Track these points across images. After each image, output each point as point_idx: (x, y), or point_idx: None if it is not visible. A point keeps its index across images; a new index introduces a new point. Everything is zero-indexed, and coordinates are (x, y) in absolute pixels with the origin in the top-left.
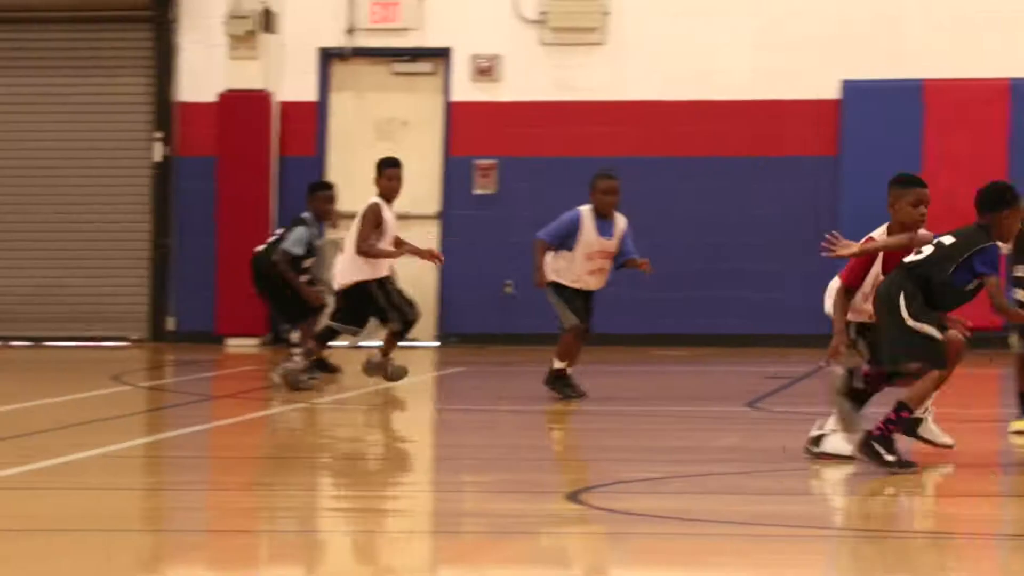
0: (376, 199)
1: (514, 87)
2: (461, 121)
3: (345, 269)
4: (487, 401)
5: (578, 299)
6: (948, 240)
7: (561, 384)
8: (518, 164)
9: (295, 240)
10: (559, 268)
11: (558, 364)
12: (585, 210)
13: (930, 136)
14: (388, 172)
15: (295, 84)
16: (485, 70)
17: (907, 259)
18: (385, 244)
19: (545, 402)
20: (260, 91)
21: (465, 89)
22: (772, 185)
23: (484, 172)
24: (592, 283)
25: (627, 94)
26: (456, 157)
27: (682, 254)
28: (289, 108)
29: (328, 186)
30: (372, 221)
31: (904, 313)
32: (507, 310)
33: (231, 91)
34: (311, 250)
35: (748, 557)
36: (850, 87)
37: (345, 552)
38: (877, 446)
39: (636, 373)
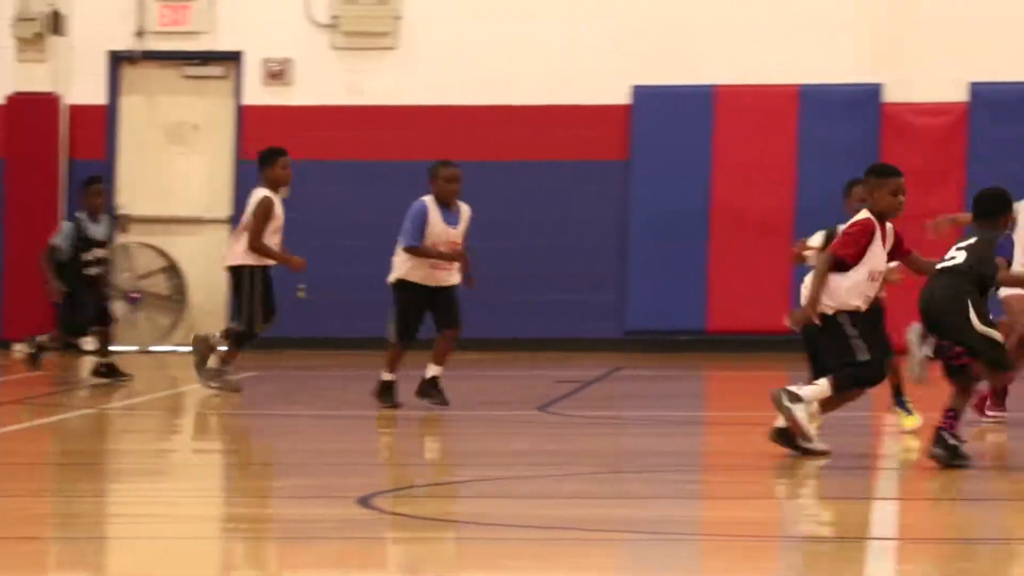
0: (267, 192)
1: (306, 91)
2: (253, 125)
3: (234, 252)
4: (281, 406)
5: (422, 302)
6: (971, 242)
7: (386, 394)
8: (311, 168)
9: (59, 234)
10: (411, 266)
11: (386, 376)
12: (428, 200)
13: (720, 142)
14: (281, 161)
15: (84, 87)
16: (276, 74)
17: (953, 263)
18: (274, 236)
19: (342, 406)
20: (48, 94)
21: (256, 93)
22: (565, 189)
23: None
24: (442, 278)
25: (419, 98)
26: (248, 161)
27: (473, 259)
28: (78, 111)
29: (97, 180)
30: (263, 215)
31: (973, 318)
32: (300, 314)
33: (19, 94)
34: (90, 243)
35: (546, 561)
36: (641, 92)
37: (136, 559)
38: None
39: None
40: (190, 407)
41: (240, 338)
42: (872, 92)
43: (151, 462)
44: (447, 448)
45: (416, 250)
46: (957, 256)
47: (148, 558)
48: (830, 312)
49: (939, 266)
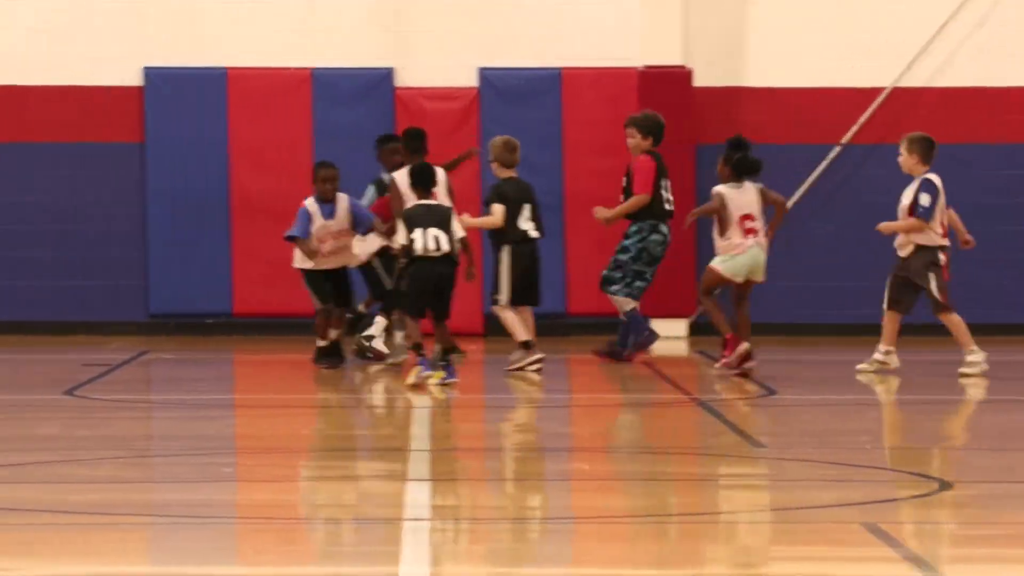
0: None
1: None
2: None
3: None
4: None
5: (326, 281)
6: None
7: (322, 356)
8: None
9: None
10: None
11: (319, 342)
12: (309, 201)
13: (235, 125)
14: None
15: None
16: None
17: None
18: None
19: None
20: None
21: None
22: (76, 172)
23: None
24: (332, 262)
25: None
26: None
27: None
28: None
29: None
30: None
31: None
32: None
33: None
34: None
35: (70, 546)
36: (153, 73)
37: None
38: None
39: None
40: None
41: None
42: (384, 76)
43: None
44: None
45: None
46: None
47: None
48: None
49: None
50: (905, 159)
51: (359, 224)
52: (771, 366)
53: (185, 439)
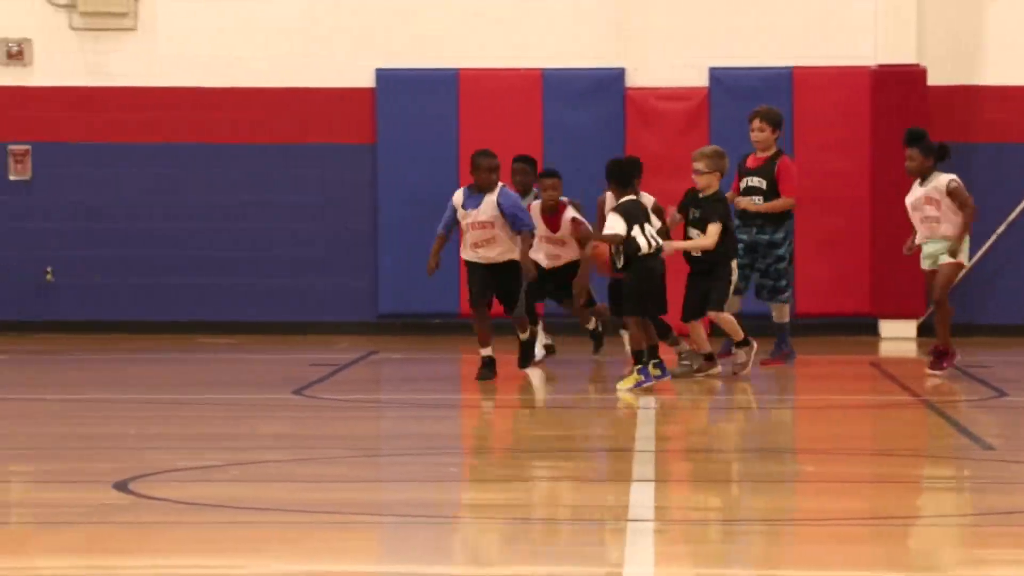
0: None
1: (46, 72)
2: None
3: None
4: (28, 390)
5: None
6: None
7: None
8: (53, 150)
9: None
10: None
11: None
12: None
13: (466, 126)
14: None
15: None
16: (16, 54)
17: None
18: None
19: (89, 390)
20: None
21: None
22: (308, 172)
23: (18, 158)
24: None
25: (161, 80)
26: None
27: (228, 242)
28: None
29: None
30: None
31: None
32: (46, 297)
33: None
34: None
35: (304, 544)
36: (384, 76)
37: None
38: None
39: (181, 361)
40: None
41: None
42: (615, 76)
43: None
44: (201, 432)
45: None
46: None
47: None
48: None
49: None
50: None
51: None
52: (1004, 368)
53: (412, 438)
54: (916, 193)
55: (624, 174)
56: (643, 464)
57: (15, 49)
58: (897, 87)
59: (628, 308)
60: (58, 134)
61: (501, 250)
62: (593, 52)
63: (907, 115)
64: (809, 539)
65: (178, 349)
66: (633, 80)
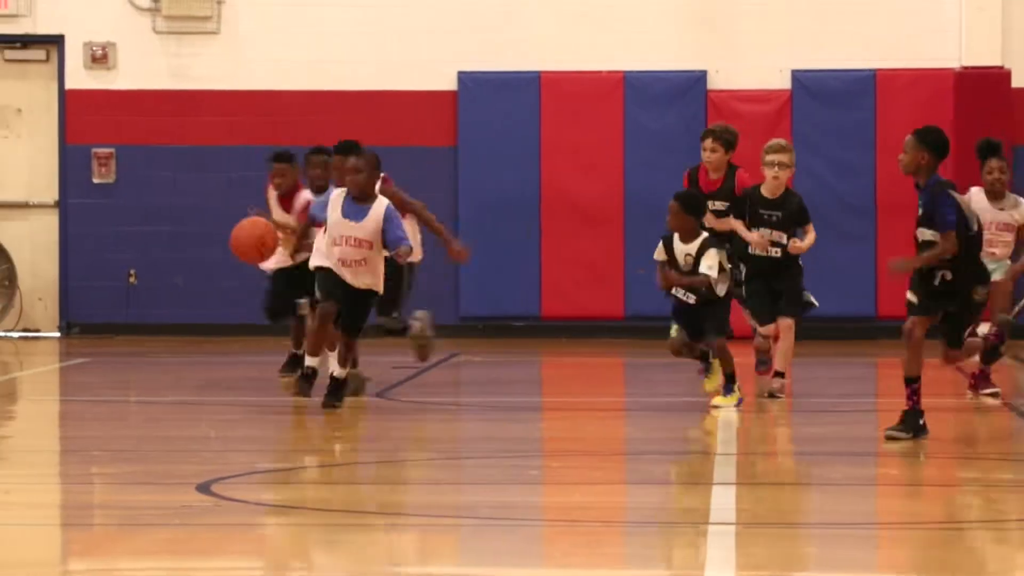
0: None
1: (129, 75)
2: (77, 109)
3: None
4: (112, 392)
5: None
6: None
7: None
8: (136, 153)
9: None
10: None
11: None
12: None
13: (547, 128)
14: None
15: None
16: (100, 58)
17: None
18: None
19: (172, 393)
20: None
21: (80, 77)
22: (390, 174)
23: (102, 161)
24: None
25: (242, 83)
26: (73, 145)
27: None
28: None
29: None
30: None
31: None
32: (131, 300)
33: None
34: None
35: (389, 547)
36: (466, 78)
37: None
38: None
39: (263, 364)
40: (23, 393)
41: None
42: (697, 79)
43: None
44: (284, 435)
45: None
46: None
47: None
48: None
49: None
50: None
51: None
52: None
53: (494, 441)
54: (992, 213)
55: (701, 209)
56: (725, 467)
57: (99, 53)
58: (981, 89)
59: (717, 330)
60: (142, 137)
61: None
62: (675, 54)
63: (991, 117)
64: (889, 543)
65: (260, 352)
66: (715, 83)
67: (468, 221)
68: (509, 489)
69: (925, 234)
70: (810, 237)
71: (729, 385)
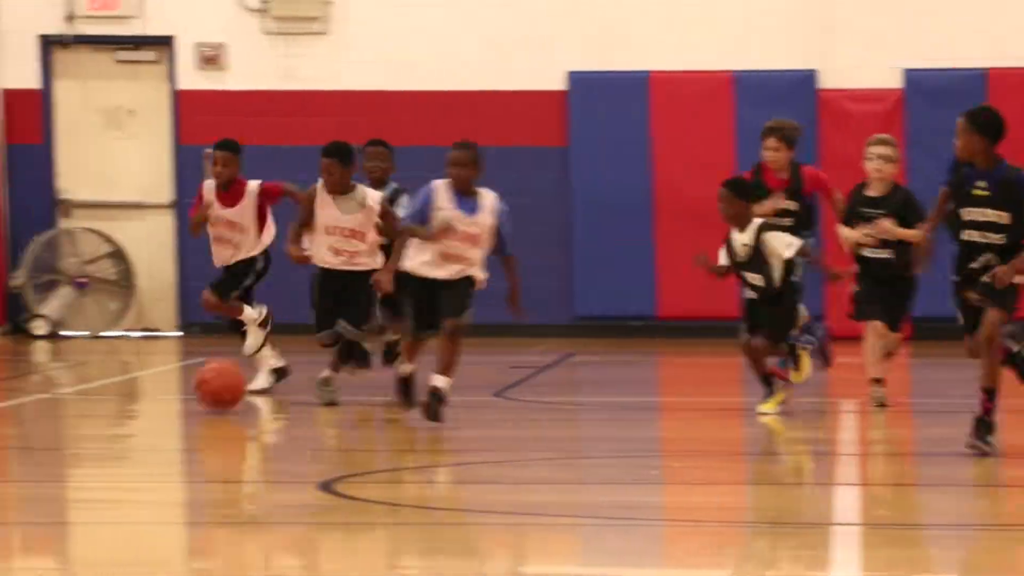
0: None
1: (240, 76)
2: (188, 110)
3: None
4: None
5: (422, 294)
6: None
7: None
8: (248, 153)
9: None
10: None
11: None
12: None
13: (657, 128)
14: None
15: (17, 71)
16: (210, 59)
17: None
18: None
19: (290, 393)
20: None
21: (191, 78)
22: (501, 175)
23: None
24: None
25: (351, 83)
26: (186, 146)
27: None
28: (12, 96)
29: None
30: None
31: None
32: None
33: None
34: None
35: (511, 547)
36: (576, 78)
37: (98, 544)
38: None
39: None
40: (144, 392)
41: None
42: (807, 78)
43: (109, 447)
44: (403, 435)
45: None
46: None
47: (110, 543)
48: None
49: None
50: None
51: None
52: None
53: (612, 441)
54: None
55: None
56: (847, 467)
57: (210, 54)
58: None
59: (780, 335)
60: (252, 137)
61: None
62: (785, 54)
63: None
64: (1013, 544)
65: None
66: (825, 82)
67: (583, 221)
68: (630, 489)
69: (987, 214)
70: (911, 232)
71: (768, 388)
